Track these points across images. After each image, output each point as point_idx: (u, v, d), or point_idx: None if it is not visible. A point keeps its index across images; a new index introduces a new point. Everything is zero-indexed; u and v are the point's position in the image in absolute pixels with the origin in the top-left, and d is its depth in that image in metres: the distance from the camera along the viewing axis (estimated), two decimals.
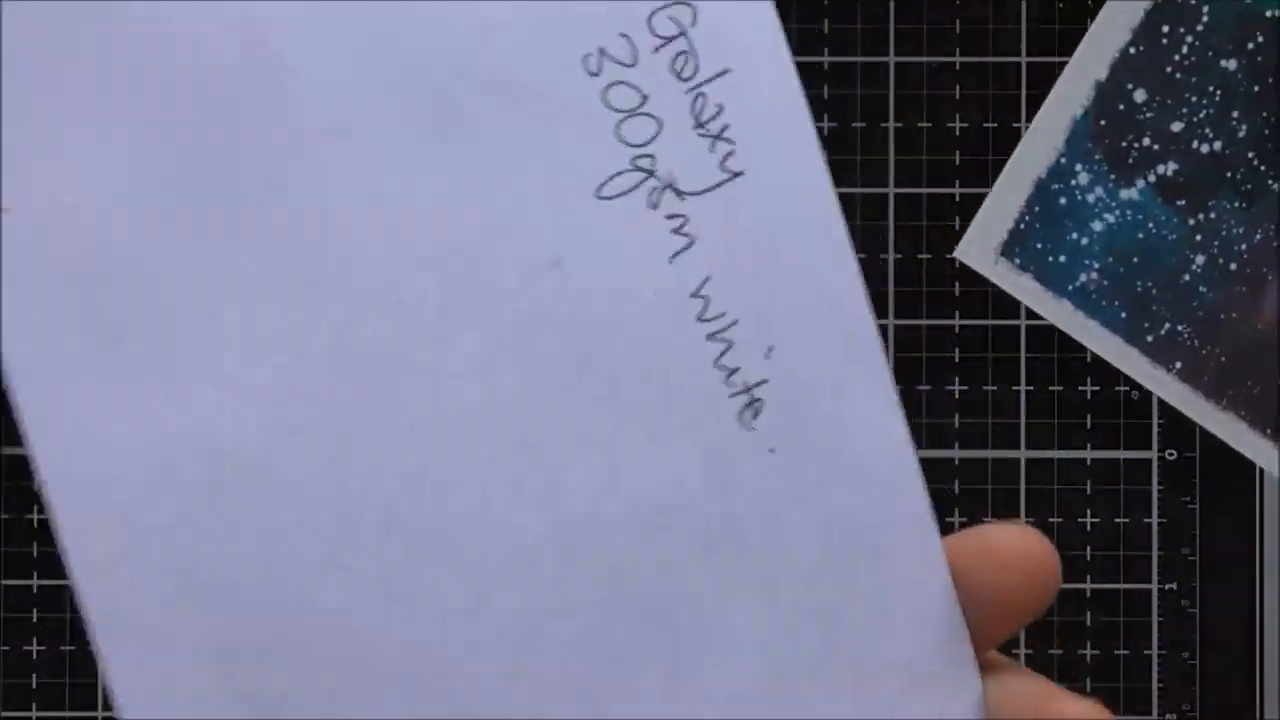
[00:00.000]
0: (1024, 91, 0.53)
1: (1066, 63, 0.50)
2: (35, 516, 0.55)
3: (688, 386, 0.29)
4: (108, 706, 0.52)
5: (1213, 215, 0.49)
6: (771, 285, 0.29)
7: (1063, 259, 0.49)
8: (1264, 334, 0.50)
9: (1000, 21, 0.53)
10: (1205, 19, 0.49)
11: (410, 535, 0.28)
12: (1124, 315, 0.50)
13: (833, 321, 0.29)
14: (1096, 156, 0.49)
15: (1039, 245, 0.50)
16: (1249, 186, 0.49)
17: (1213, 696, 0.53)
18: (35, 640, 0.55)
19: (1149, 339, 0.50)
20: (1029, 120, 0.52)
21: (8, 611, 0.55)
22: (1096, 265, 0.49)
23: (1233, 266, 0.49)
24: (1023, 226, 0.50)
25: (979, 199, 0.50)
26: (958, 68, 0.53)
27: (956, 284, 0.52)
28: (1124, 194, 0.49)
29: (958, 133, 0.53)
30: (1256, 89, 0.49)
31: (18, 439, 0.49)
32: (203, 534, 0.28)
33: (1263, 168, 0.49)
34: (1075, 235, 0.50)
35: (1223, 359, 0.50)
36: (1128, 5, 0.48)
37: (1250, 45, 0.48)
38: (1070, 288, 0.50)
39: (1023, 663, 0.48)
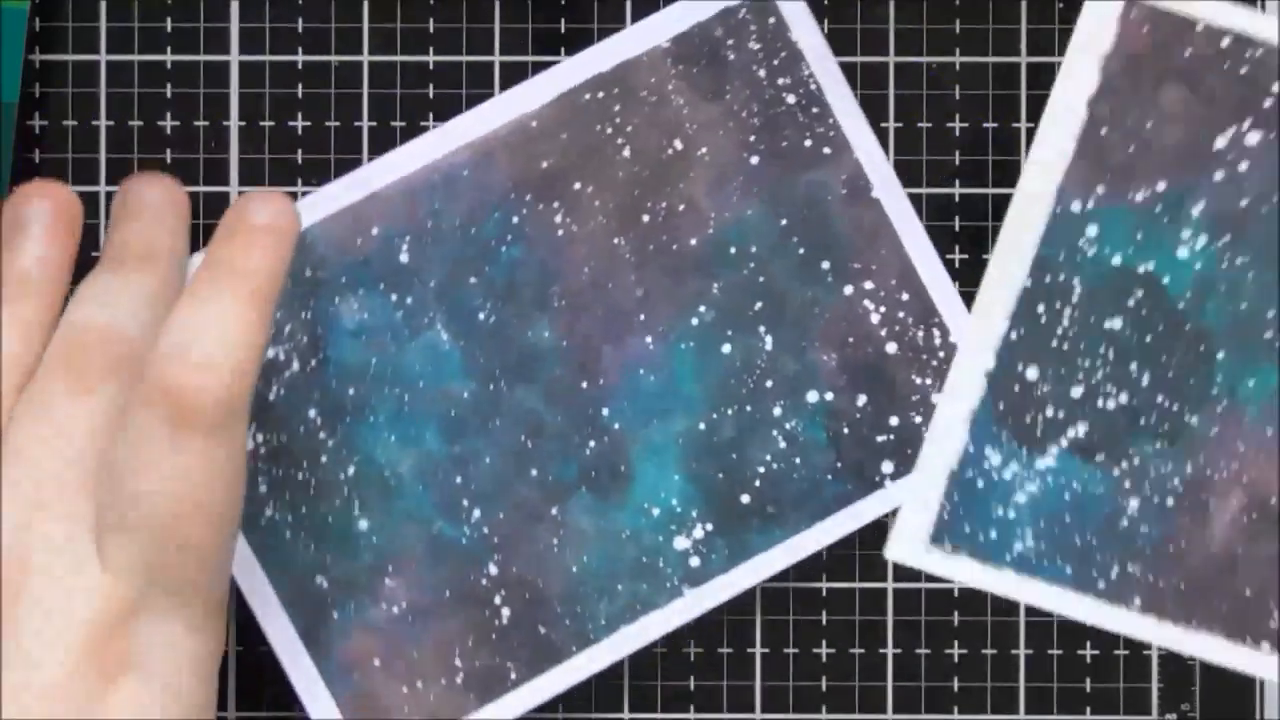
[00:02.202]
0: (1024, 91, 0.53)
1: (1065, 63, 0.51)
2: None
3: None
4: None
5: (1137, 461, 0.49)
6: None
7: (994, 534, 0.50)
8: (1218, 555, 0.49)
9: (1000, 21, 0.53)
10: (1078, 290, 0.49)
11: None
12: (1069, 570, 0.49)
13: None
14: (1004, 436, 0.49)
15: (967, 528, 0.50)
16: (1167, 427, 0.49)
17: (1213, 696, 0.52)
18: None
19: (1101, 585, 0.49)
20: (1029, 120, 0.52)
21: None
22: (1031, 532, 0.49)
23: (1170, 502, 0.49)
24: (946, 516, 0.50)
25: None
26: (958, 68, 0.53)
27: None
28: (1040, 463, 0.49)
29: (957, 133, 0.53)
30: (1149, 339, 0.49)
31: None
32: None
33: (1175, 407, 0.49)
34: (1001, 511, 0.50)
35: (1181, 586, 0.49)
36: (999, 295, 0.50)
37: (1131, 302, 0.49)
38: (1008, 558, 0.49)
39: (1022, 664, 0.51)
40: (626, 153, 0.53)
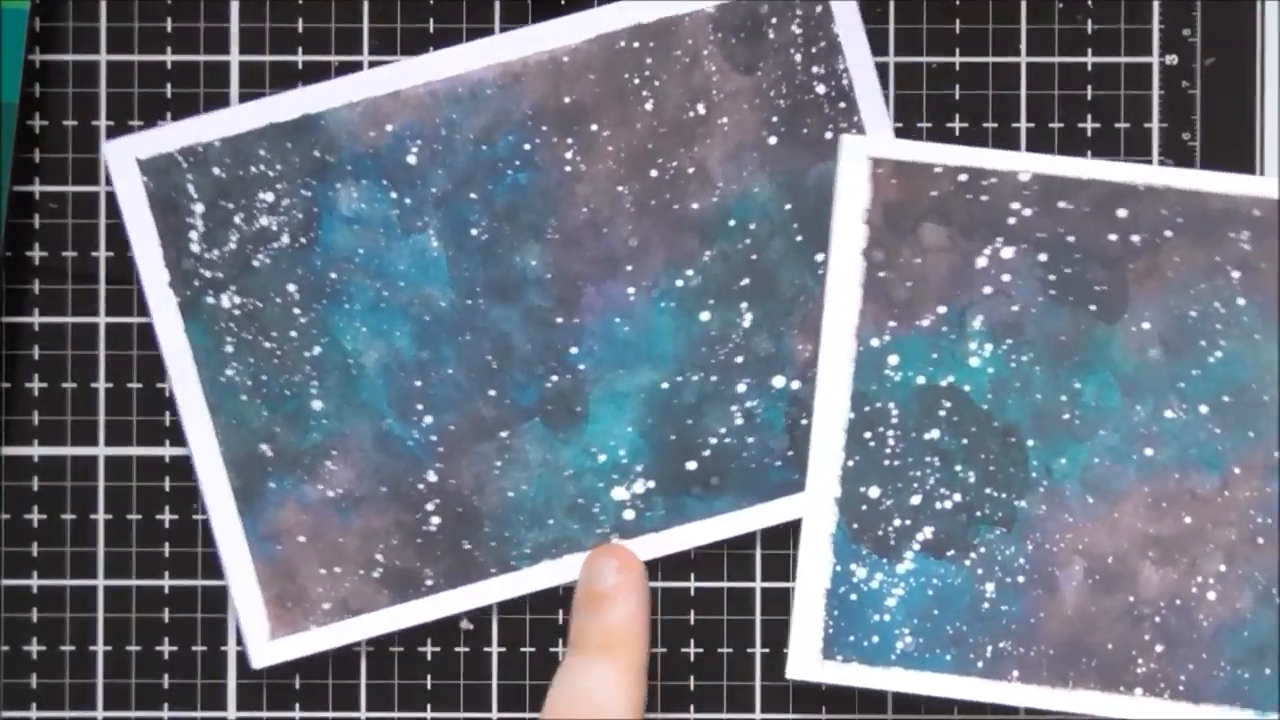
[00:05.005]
0: (1024, 91, 0.53)
1: (1065, 63, 0.53)
2: (35, 516, 0.54)
3: None
4: (107, 706, 0.54)
5: (982, 550, 0.53)
6: None
7: (876, 639, 0.53)
8: (1074, 618, 0.53)
9: (1000, 21, 0.53)
10: (895, 412, 0.53)
11: None
12: (949, 657, 0.53)
13: None
14: (863, 552, 0.53)
15: (851, 638, 0.53)
16: (1001, 514, 0.53)
17: None
18: (35, 640, 0.54)
19: (980, 665, 0.53)
20: (1029, 120, 0.53)
21: (8, 611, 0.54)
22: (907, 630, 0.53)
23: (1021, 579, 0.53)
24: (832, 631, 0.53)
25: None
26: (958, 68, 0.53)
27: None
28: (900, 568, 0.53)
29: (958, 133, 0.54)
30: (966, 441, 0.53)
31: (17, 439, 0.54)
32: None
33: (1003, 495, 0.53)
34: (877, 617, 0.53)
35: (1050, 652, 0.53)
36: (831, 430, 0.53)
37: (943, 413, 0.53)
38: (893, 656, 0.53)
39: None
40: (649, 105, 0.54)
